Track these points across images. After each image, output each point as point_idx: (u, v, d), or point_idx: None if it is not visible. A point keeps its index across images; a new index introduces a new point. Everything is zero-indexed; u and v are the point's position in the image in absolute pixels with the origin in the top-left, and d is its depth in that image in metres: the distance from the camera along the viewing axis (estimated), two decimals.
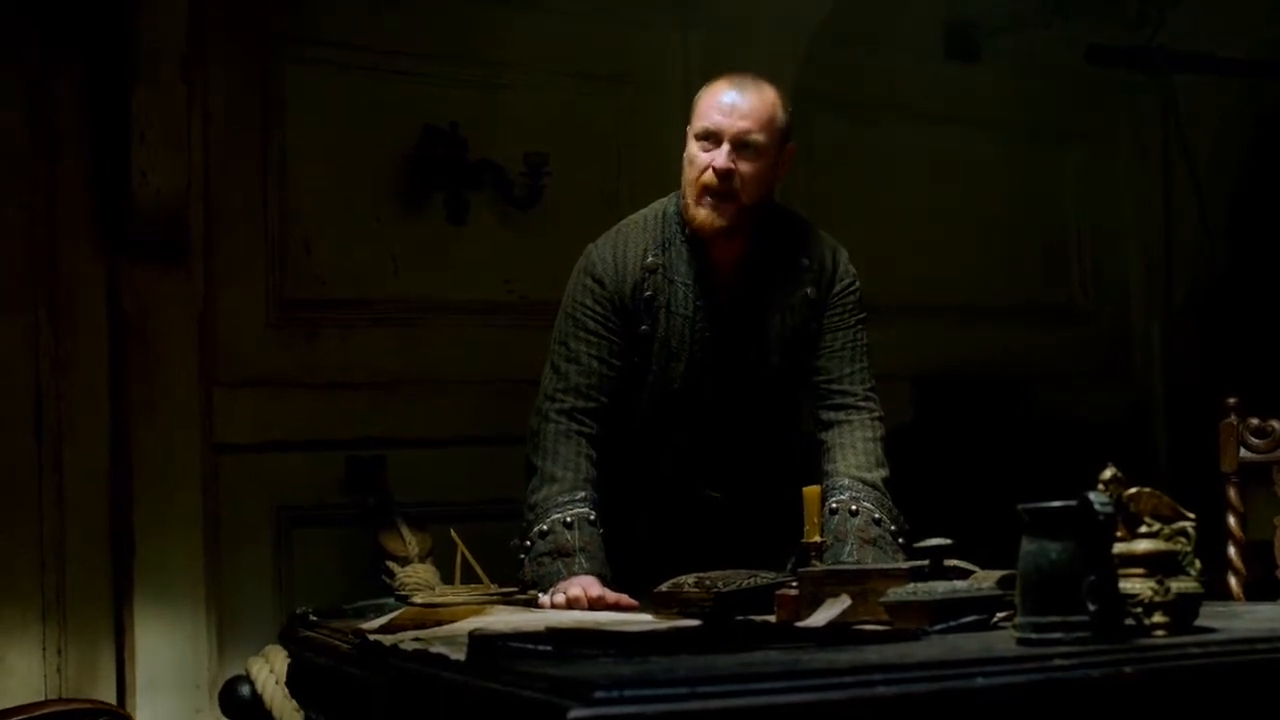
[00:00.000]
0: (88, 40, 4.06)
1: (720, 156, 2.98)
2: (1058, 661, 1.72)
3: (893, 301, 5.02)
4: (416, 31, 4.53)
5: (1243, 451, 3.06)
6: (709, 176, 2.99)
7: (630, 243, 3.13)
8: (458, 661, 1.89)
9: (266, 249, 4.32)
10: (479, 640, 1.89)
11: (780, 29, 4.85)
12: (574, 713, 1.51)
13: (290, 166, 4.35)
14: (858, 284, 3.21)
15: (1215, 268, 5.71)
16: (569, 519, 2.94)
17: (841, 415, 3.11)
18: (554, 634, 1.93)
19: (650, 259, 3.09)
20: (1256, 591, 2.99)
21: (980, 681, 1.66)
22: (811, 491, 2.60)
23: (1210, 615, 2.05)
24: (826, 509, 2.91)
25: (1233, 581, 3.01)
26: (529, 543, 2.97)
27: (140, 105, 3.97)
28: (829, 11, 4.92)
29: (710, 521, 3.16)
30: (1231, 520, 3.05)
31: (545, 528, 2.95)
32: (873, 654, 1.82)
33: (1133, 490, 1.98)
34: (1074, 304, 5.95)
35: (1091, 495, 1.83)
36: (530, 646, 1.88)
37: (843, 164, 5.24)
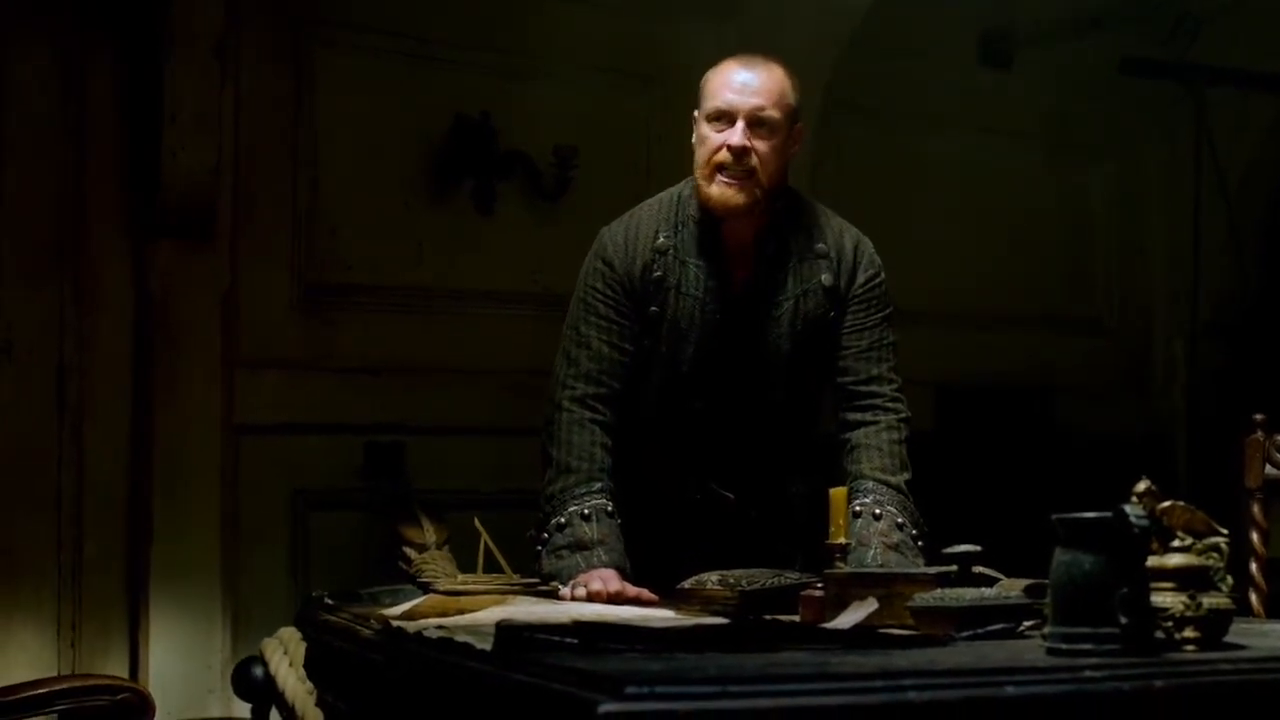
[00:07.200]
0: (122, 18, 4.07)
1: (735, 134, 2.93)
2: (1088, 673, 1.70)
3: (917, 307, 5.00)
4: (451, 19, 4.53)
5: (1268, 468, 3.04)
6: (723, 155, 2.94)
7: (642, 225, 3.09)
8: (483, 651, 1.88)
9: (292, 232, 4.34)
10: (506, 631, 1.88)
11: (815, 32, 4.84)
12: (604, 707, 1.50)
13: (320, 150, 4.37)
14: (883, 276, 3.13)
15: (1244, 286, 5.68)
16: (586, 511, 2.92)
17: (868, 416, 3.07)
18: (581, 628, 1.92)
19: (661, 240, 3.04)
20: (1276, 608, 2.97)
21: (1011, 690, 1.65)
22: (838, 493, 2.58)
23: (1239, 632, 2.03)
24: (850, 511, 2.85)
25: (1253, 598, 2.99)
26: (546, 535, 2.96)
27: (173, 84, 3.99)
28: (864, 15, 4.90)
29: (719, 515, 3.12)
30: (1254, 536, 3.03)
31: (562, 520, 2.93)
32: (901, 659, 1.80)
33: (1166, 504, 1.97)
34: (1098, 317, 5.93)
35: (1127, 508, 1.82)
36: (557, 639, 1.87)
37: (872, 167, 5.24)
